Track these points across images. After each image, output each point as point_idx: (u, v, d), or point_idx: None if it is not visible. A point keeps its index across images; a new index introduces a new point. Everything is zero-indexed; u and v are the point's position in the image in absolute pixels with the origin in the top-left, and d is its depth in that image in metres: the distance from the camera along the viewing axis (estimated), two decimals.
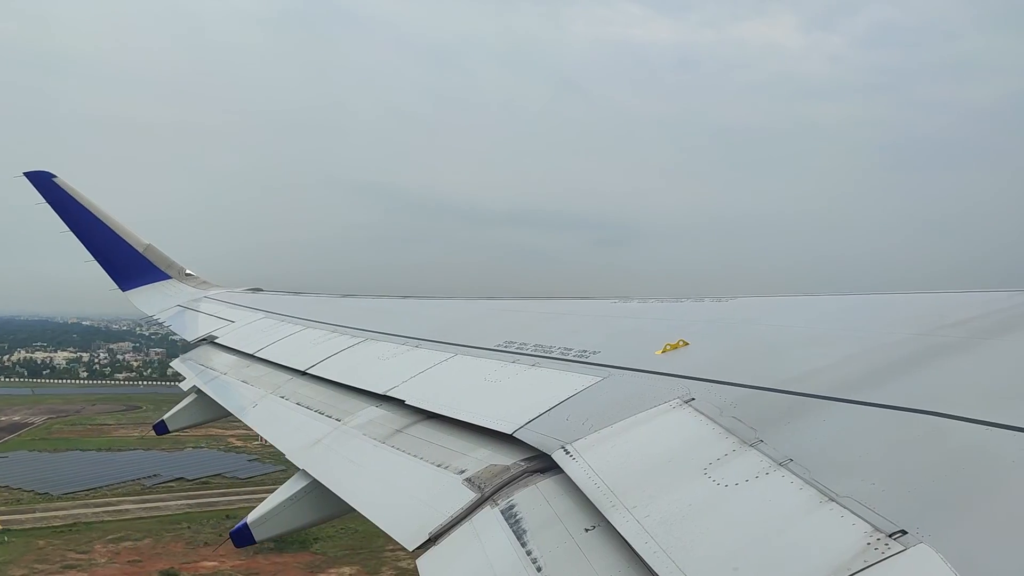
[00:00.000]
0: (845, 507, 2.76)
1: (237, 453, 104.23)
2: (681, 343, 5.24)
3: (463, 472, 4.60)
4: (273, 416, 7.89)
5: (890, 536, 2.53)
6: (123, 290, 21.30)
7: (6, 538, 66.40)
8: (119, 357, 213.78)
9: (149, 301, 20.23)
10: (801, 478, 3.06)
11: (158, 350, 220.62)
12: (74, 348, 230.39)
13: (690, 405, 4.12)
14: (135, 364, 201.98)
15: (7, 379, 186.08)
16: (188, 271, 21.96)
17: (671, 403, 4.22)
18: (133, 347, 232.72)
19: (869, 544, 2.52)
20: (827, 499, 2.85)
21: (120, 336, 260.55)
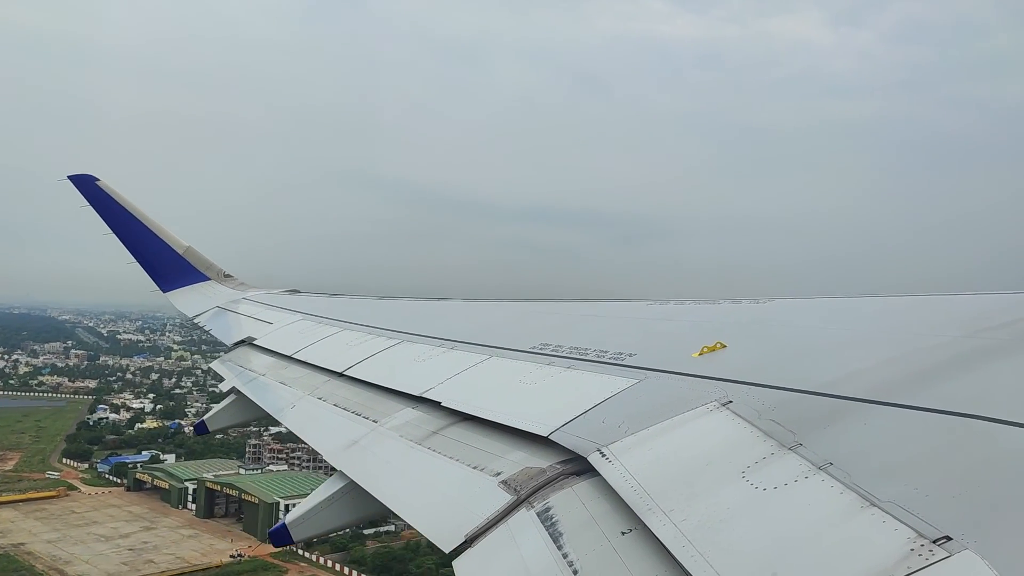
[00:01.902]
0: (887, 512, 2.72)
1: None
2: (719, 345, 5.20)
3: (499, 474, 4.61)
4: (311, 417, 7.96)
5: (934, 542, 2.49)
6: (163, 291, 21.63)
7: None
8: (29, 360, 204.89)
9: (189, 302, 20.52)
10: (841, 482, 3.02)
11: (79, 352, 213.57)
12: (2, 348, 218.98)
13: (728, 408, 4.09)
14: (24, 371, 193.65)
15: None
16: (227, 273, 22.24)
17: (708, 406, 4.20)
18: (63, 348, 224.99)
19: (912, 550, 2.48)
20: (868, 504, 2.81)
21: (70, 335, 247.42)
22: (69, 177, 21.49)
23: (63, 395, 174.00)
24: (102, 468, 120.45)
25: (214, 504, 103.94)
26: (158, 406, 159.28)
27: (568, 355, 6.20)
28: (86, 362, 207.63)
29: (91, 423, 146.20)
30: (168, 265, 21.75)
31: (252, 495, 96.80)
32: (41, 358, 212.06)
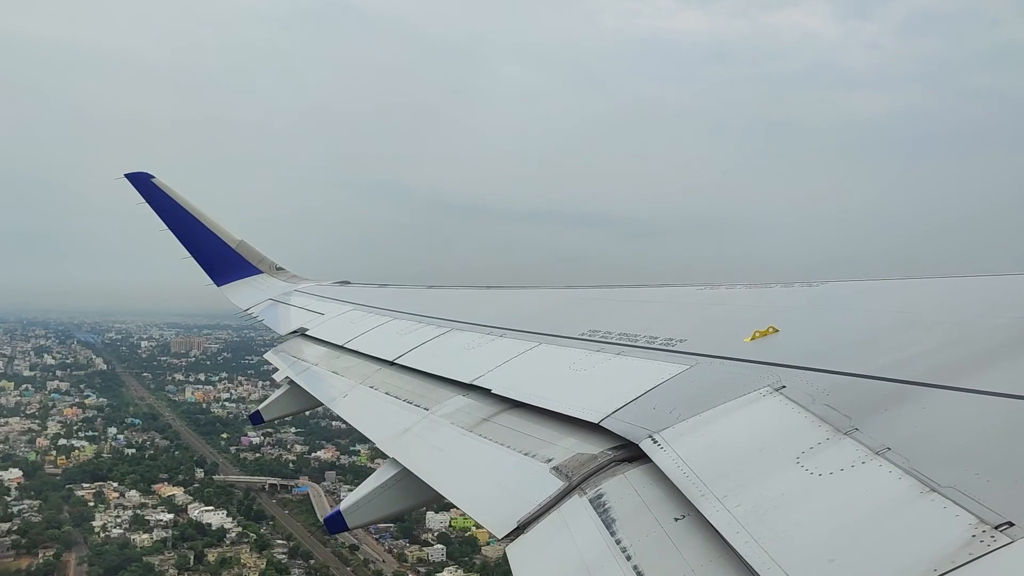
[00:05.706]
0: (947, 497, 2.67)
1: None
2: (771, 330, 5.14)
3: (550, 461, 4.63)
4: (362, 406, 8.08)
5: (996, 528, 2.43)
6: (218, 285, 22.09)
7: None
8: None
9: (242, 295, 20.93)
10: (900, 467, 2.97)
11: None
12: None
13: (781, 393, 4.04)
14: None
15: None
16: (279, 265, 22.62)
17: (761, 391, 4.15)
18: None
19: (974, 536, 2.44)
20: (928, 489, 2.76)
21: None
22: (126, 175, 22.02)
23: None
24: None
25: None
26: None
27: (618, 341, 6.18)
28: None
29: None
30: (222, 259, 22.19)
31: None
32: None
